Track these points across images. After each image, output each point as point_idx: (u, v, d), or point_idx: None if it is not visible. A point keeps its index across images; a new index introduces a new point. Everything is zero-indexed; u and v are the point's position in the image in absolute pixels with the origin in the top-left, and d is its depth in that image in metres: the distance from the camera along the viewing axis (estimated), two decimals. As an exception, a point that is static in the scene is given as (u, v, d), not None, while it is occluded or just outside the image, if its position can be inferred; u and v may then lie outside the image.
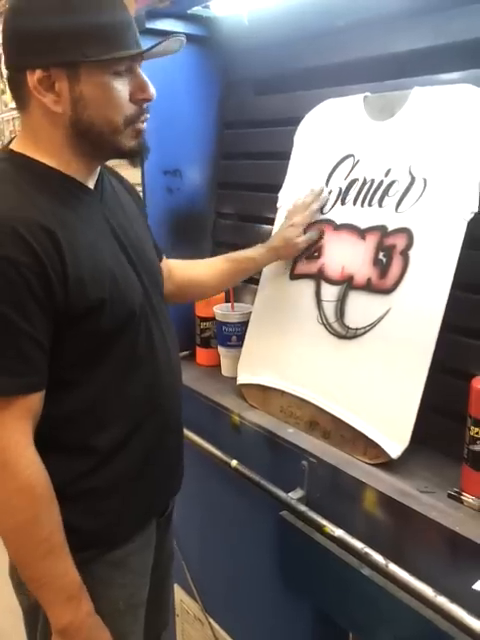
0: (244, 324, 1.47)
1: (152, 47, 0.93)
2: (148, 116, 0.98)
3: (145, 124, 0.98)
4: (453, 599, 0.90)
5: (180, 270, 1.34)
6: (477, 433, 0.99)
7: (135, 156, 1.02)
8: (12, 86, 0.93)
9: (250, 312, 1.46)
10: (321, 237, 1.30)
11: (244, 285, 1.63)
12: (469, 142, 1.08)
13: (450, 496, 1.03)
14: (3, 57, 0.93)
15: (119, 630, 1.07)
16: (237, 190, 1.68)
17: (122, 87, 0.92)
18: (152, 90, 0.95)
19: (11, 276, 0.84)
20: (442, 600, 0.91)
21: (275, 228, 1.42)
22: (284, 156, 1.43)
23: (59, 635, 0.95)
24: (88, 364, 0.97)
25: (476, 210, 1.06)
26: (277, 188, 1.42)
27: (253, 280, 1.54)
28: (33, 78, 0.88)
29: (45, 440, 0.93)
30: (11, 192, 0.89)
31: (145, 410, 1.05)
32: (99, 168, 1.03)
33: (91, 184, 1.01)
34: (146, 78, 0.95)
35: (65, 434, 0.98)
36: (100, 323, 0.95)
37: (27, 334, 0.87)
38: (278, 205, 1.42)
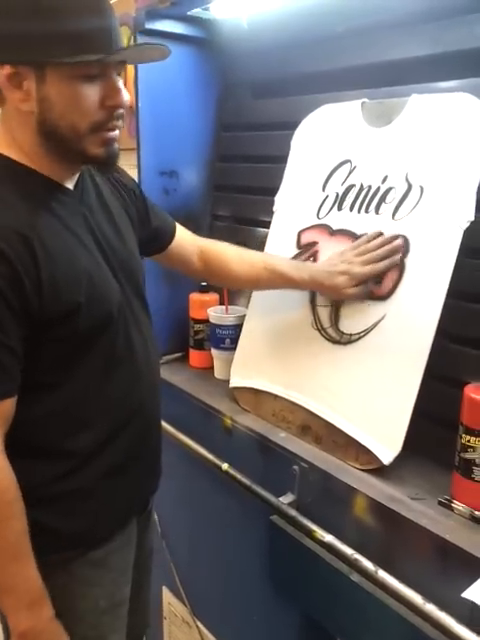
0: (238, 327, 1.47)
1: (120, 50, 0.89)
2: (119, 124, 0.94)
3: (116, 133, 0.94)
4: (442, 607, 0.90)
5: (217, 255, 1.32)
6: (468, 441, 0.99)
7: (101, 164, 0.99)
8: None
9: (244, 315, 1.46)
10: (369, 297, 1.17)
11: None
12: (466, 151, 1.09)
13: (441, 503, 1.03)
14: None
15: (100, 629, 1.07)
16: (233, 193, 1.68)
17: (91, 92, 0.89)
18: (123, 97, 0.91)
19: None
20: (431, 608, 0.91)
21: (271, 232, 1.41)
22: (281, 160, 1.42)
23: (18, 639, 0.94)
24: (66, 367, 0.96)
25: (472, 218, 1.06)
26: (274, 191, 1.42)
27: (248, 283, 1.54)
28: (2, 73, 0.87)
29: (22, 443, 0.93)
30: None
31: (124, 411, 1.05)
32: (78, 170, 1.02)
33: (70, 184, 1.00)
34: (121, 85, 0.91)
35: (43, 437, 0.97)
36: (77, 326, 0.94)
37: (1, 343, 0.87)
38: (274, 209, 1.41)
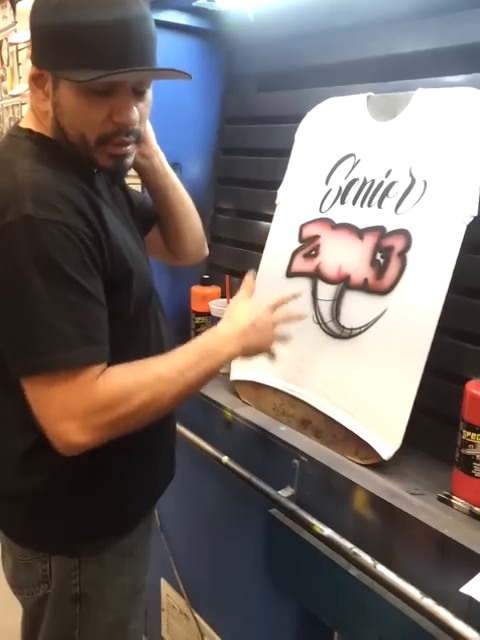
0: (239, 320, 1.47)
1: (126, 71, 0.85)
2: (129, 140, 0.94)
3: (126, 148, 0.94)
4: (440, 602, 0.90)
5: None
6: (469, 437, 0.99)
7: (110, 174, 1.01)
8: None
9: (246, 308, 1.45)
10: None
11: (241, 281, 1.62)
12: (470, 145, 1.08)
13: (440, 499, 1.03)
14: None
15: (123, 614, 1.11)
16: (236, 186, 1.68)
17: (100, 105, 0.89)
18: (128, 116, 0.91)
19: (75, 242, 0.85)
20: (428, 602, 0.91)
21: (273, 225, 1.41)
22: (285, 153, 1.42)
23: (237, 356, 1.04)
24: (115, 344, 0.96)
25: (475, 214, 1.06)
26: (277, 185, 1.42)
27: (250, 277, 1.54)
28: (31, 71, 0.91)
29: None
30: (41, 165, 0.90)
31: None
32: None
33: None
34: (130, 102, 0.90)
35: None
36: (130, 299, 0.96)
37: (97, 300, 0.88)
38: (277, 202, 1.41)
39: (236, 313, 1.08)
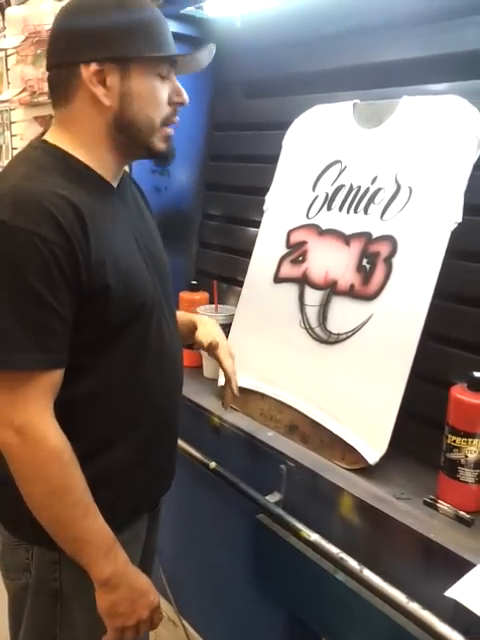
0: (227, 326, 1.47)
1: (193, 52, 1.03)
2: (177, 121, 1.02)
3: (173, 130, 1.02)
4: (426, 606, 0.91)
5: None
6: (454, 441, 1.00)
7: (164, 158, 1.06)
8: (56, 82, 0.98)
9: (233, 314, 1.46)
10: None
11: (229, 287, 1.63)
12: (455, 152, 1.09)
13: (426, 503, 1.04)
14: (49, 54, 0.98)
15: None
16: (224, 192, 1.69)
17: (163, 89, 0.98)
18: (186, 96, 1.02)
19: (43, 253, 0.86)
20: (414, 606, 0.92)
21: (261, 231, 1.42)
22: (272, 159, 1.43)
23: (103, 586, 0.97)
24: (95, 351, 0.98)
25: (460, 220, 1.07)
26: (264, 191, 1.42)
27: (237, 282, 1.54)
28: (88, 71, 0.93)
29: None
30: (39, 173, 0.92)
31: (147, 403, 1.07)
32: (123, 170, 1.07)
33: (115, 184, 1.05)
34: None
35: (68, 420, 0.97)
36: (111, 309, 0.97)
37: (56, 311, 0.89)
38: (265, 208, 1.42)
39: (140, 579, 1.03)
